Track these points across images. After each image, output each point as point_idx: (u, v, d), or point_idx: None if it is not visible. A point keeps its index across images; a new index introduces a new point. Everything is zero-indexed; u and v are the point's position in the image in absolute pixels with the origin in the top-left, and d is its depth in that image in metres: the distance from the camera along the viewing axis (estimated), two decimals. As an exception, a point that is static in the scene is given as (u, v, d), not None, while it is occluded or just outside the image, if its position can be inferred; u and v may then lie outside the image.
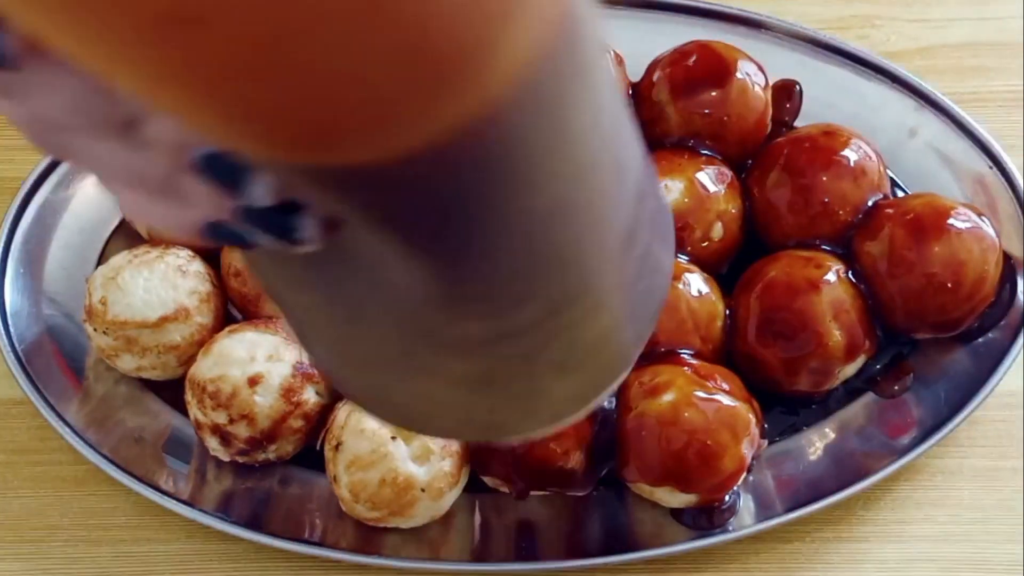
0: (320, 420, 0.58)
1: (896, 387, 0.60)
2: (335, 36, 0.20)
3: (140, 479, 0.58)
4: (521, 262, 0.28)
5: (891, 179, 0.64)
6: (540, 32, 0.24)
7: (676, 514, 0.57)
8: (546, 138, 0.26)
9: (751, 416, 0.56)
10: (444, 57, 0.21)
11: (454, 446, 0.56)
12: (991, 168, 0.64)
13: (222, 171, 0.25)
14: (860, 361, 0.59)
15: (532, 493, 0.57)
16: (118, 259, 0.61)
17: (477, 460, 0.57)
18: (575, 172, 0.28)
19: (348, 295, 0.31)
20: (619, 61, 0.65)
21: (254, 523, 0.58)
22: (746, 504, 0.57)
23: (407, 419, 0.37)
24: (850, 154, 0.61)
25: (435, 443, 0.55)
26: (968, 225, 0.58)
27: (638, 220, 0.32)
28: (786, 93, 0.67)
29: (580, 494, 0.58)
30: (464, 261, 0.28)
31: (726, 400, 0.55)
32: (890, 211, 0.59)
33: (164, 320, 0.59)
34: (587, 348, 0.33)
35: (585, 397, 0.36)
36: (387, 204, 0.25)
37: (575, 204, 0.28)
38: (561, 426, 0.37)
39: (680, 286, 0.58)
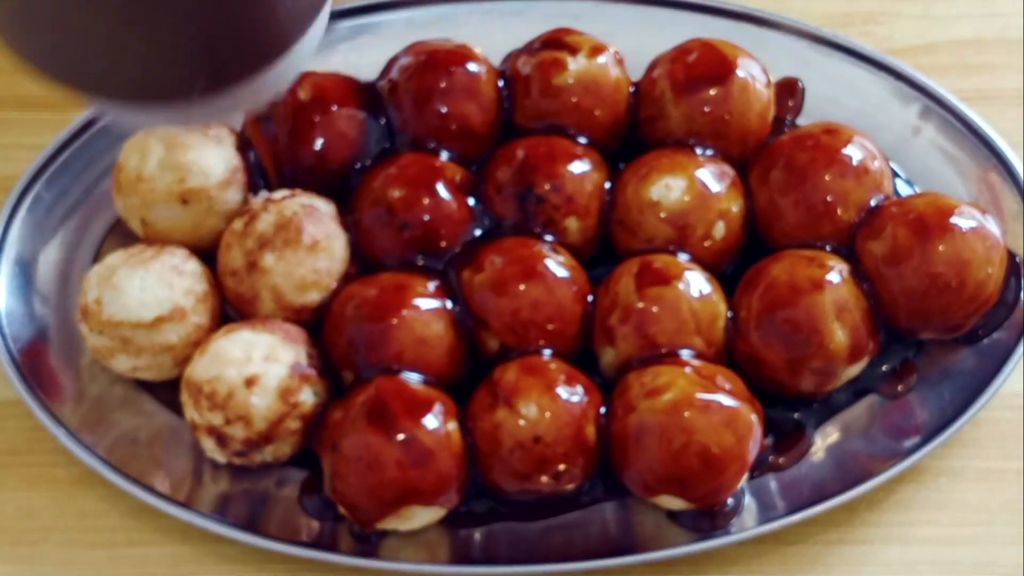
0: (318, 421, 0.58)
1: (899, 388, 0.60)
2: None
3: (135, 481, 0.58)
4: None
5: (894, 177, 0.63)
6: None
7: (674, 516, 0.57)
8: None
9: (753, 417, 0.55)
10: None
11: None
12: (996, 166, 0.63)
13: None
14: (864, 362, 0.58)
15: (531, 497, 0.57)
16: (113, 258, 0.61)
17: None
18: None
19: None
20: (619, 59, 0.65)
21: (251, 525, 0.57)
22: (748, 506, 0.57)
23: (56, 64, 0.38)
24: (852, 152, 0.60)
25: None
26: (972, 224, 0.58)
27: None
28: (788, 91, 0.67)
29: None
30: None
31: (728, 401, 0.55)
32: (893, 210, 0.59)
33: (160, 320, 0.59)
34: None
35: (247, 62, 0.39)
36: None
37: None
38: (225, 97, 0.40)
39: (681, 286, 0.58)
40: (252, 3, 0.38)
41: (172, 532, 0.58)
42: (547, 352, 0.58)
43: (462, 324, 0.59)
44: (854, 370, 0.58)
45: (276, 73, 0.41)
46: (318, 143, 0.63)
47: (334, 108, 0.63)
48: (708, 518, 0.56)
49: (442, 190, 0.61)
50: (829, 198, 0.60)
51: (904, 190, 0.64)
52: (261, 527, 0.57)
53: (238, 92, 0.41)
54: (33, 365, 0.61)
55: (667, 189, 0.60)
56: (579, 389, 0.56)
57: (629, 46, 0.66)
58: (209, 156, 0.62)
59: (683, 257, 0.60)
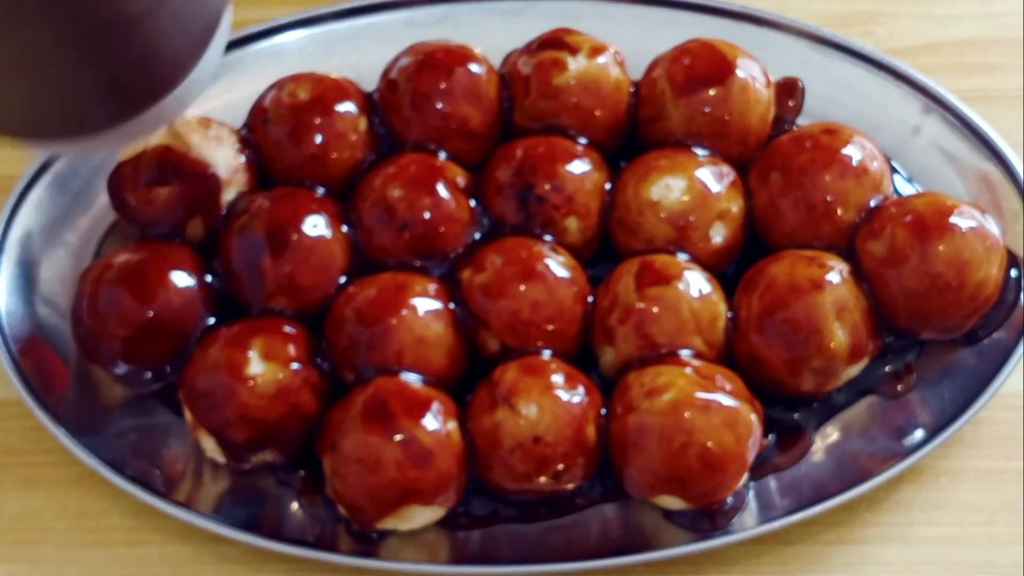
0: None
1: (899, 387, 0.60)
2: None
3: (135, 481, 0.58)
4: None
5: (894, 177, 0.63)
6: None
7: (673, 516, 0.56)
8: None
9: (753, 417, 0.55)
10: None
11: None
12: (996, 166, 0.63)
13: None
14: (864, 362, 0.58)
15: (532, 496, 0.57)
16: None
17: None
18: None
19: None
20: (619, 59, 0.65)
21: (251, 525, 0.57)
22: (748, 506, 0.57)
23: None
24: (852, 153, 0.60)
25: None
26: (972, 224, 0.58)
27: None
28: (788, 91, 0.67)
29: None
30: None
31: (728, 401, 0.55)
32: (893, 210, 0.59)
33: (160, 320, 0.59)
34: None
35: (137, 98, 0.41)
36: None
37: None
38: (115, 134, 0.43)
39: (681, 286, 0.58)
40: (135, 43, 0.39)
41: (172, 532, 0.58)
42: (547, 352, 0.58)
43: (462, 324, 0.59)
44: (854, 370, 0.58)
45: (172, 100, 0.43)
46: (317, 143, 0.63)
47: (334, 108, 0.63)
48: (707, 518, 0.56)
49: (442, 190, 0.61)
50: (829, 198, 0.60)
51: (904, 190, 0.64)
52: (261, 527, 0.57)
53: (134, 124, 0.42)
54: (33, 365, 0.61)
55: (667, 189, 0.60)
56: (579, 389, 0.56)
57: (629, 46, 0.65)
58: (210, 156, 0.62)
59: (683, 257, 0.60)
